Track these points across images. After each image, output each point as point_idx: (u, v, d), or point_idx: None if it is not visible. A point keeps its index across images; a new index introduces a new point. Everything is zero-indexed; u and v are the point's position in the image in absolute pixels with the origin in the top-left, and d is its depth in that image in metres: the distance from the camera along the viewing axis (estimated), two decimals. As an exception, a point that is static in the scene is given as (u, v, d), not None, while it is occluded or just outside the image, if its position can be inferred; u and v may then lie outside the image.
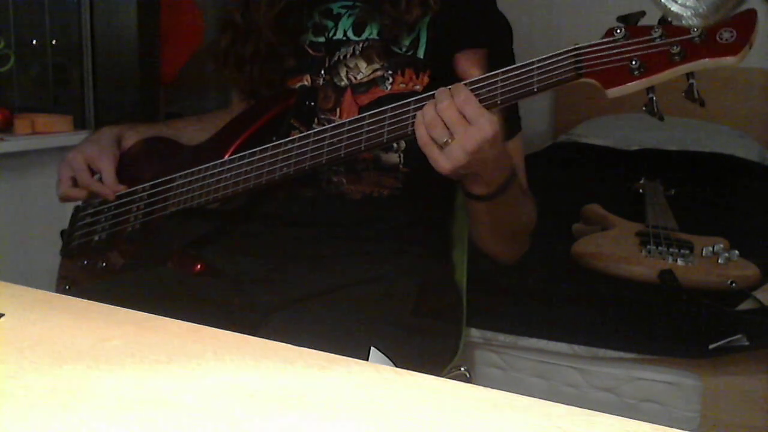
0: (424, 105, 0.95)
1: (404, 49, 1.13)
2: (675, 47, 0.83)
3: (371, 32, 1.15)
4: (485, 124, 0.89)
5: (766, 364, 1.38)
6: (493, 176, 0.97)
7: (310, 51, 1.18)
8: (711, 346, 1.36)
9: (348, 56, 1.15)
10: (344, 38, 1.16)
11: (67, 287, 1.23)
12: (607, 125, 2.82)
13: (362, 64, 1.14)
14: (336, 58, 1.16)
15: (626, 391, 1.43)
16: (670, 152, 2.52)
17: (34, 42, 2.34)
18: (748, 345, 1.35)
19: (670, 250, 1.63)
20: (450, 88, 0.92)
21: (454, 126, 0.90)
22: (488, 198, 1.00)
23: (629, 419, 0.49)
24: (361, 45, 1.14)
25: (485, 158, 0.92)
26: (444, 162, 0.92)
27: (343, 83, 1.14)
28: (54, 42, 2.36)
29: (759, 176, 2.51)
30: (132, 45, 2.30)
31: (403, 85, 1.11)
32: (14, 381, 0.54)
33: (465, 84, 0.93)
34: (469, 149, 0.90)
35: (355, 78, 1.14)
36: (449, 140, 0.90)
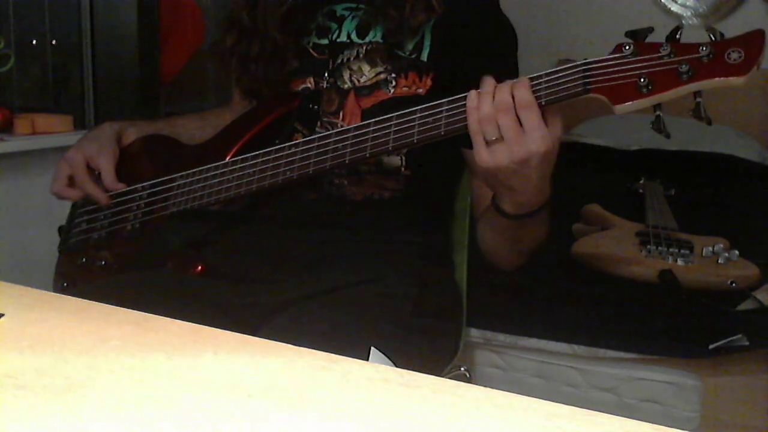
0: (430, 112, 0.93)
1: (408, 53, 1.12)
2: (683, 66, 0.83)
3: (375, 35, 1.14)
4: (538, 139, 0.87)
5: (766, 364, 1.38)
6: (529, 198, 0.95)
7: (314, 53, 1.18)
8: (711, 346, 1.35)
9: (351, 59, 1.15)
10: (348, 41, 1.16)
11: (65, 284, 1.23)
12: (607, 125, 2.81)
13: (365, 67, 1.13)
14: (339, 61, 1.15)
15: (626, 391, 1.43)
16: (670, 152, 2.52)
17: (34, 42, 2.34)
18: (748, 345, 1.35)
19: (670, 250, 1.63)
20: (512, 84, 0.88)
21: (507, 129, 0.87)
22: (517, 218, 0.99)
23: (629, 419, 0.49)
24: (364, 48, 1.14)
25: (529, 175, 0.90)
26: (486, 157, 0.89)
27: (346, 86, 1.14)
28: (54, 42, 2.36)
29: (759, 176, 2.51)
30: (132, 45, 2.31)
31: (407, 89, 1.11)
32: (14, 381, 0.54)
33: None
34: (516, 158, 0.87)
35: (359, 81, 1.13)
36: (498, 140, 0.88)
